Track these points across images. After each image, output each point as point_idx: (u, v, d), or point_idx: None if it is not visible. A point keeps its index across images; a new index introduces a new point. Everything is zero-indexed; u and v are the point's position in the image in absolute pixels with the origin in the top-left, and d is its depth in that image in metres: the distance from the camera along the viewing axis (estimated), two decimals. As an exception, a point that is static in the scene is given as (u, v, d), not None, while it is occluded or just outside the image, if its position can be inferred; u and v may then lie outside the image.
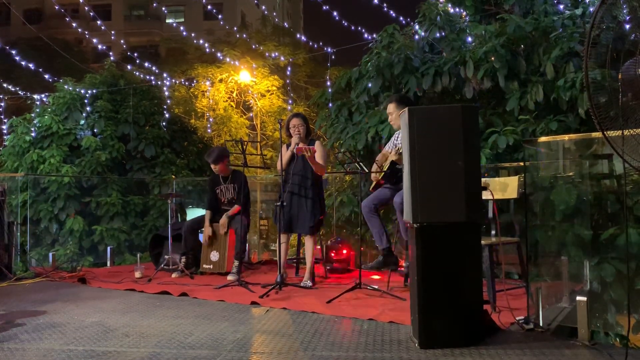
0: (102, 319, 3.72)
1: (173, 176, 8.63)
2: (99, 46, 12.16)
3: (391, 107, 4.67)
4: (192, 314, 3.85)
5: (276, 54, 14.68)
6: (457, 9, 6.59)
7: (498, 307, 3.57)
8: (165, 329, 3.41)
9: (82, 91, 9.01)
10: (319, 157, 4.79)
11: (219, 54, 13.65)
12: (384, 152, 4.79)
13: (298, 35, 17.24)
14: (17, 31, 24.35)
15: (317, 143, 4.91)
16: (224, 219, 5.60)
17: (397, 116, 4.38)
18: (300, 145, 4.76)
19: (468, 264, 2.97)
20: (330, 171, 5.96)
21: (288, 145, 4.99)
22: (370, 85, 6.36)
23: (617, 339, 3.03)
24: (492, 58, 5.42)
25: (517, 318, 3.28)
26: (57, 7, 14.07)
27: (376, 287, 4.40)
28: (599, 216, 3.42)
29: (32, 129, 8.56)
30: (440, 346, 2.88)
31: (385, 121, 5.90)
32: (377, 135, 5.92)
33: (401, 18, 8.36)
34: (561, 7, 5.78)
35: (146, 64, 12.19)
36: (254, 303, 4.15)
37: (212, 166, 5.75)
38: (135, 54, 13.71)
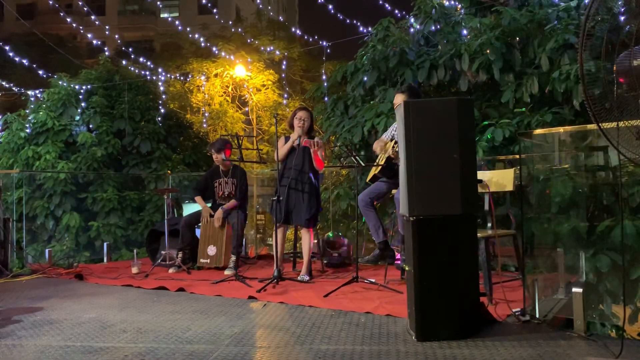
0: (99, 315, 3.72)
1: (169, 171, 8.61)
2: (94, 41, 12.09)
3: (400, 98, 4.49)
4: (189, 309, 3.86)
5: (271, 48, 14.63)
6: (452, 2, 6.59)
7: (494, 299, 3.58)
8: (162, 324, 3.42)
9: (77, 87, 8.98)
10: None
11: (214, 49, 13.58)
12: (382, 139, 4.81)
13: (293, 29, 17.16)
14: (10, 26, 24.15)
15: (317, 140, 4.95)
16: (219, 213, 5.57)
17: None
18: (306, 139, 4.83)
19: (464, 256, 2.98)
20: (327, 165, 5.96)
21: (286, 137, 5.01)
22: (365, 78, 6.36)
23: (613, 330, 3.05)
24: (487, 51, 5.42)
25: (514, 310, 3.29)
26: (50, 2, 13.93)
27: (373, 280, 4.41)
28: (595, 208, 3.43)
29: (27, 125, 8.53)
30: (437, 339, 2.89)
31: (381, 115, 5.90)
32: (374, 128, 5.93)
33: (396, 11, 8.35)
34: (556, -1, 5.79)
35: (141, 59, 12.12)
36: (251, 297, 4.16)
37: (215, 156, 5.71)
38: (130, 49, 13.64)
